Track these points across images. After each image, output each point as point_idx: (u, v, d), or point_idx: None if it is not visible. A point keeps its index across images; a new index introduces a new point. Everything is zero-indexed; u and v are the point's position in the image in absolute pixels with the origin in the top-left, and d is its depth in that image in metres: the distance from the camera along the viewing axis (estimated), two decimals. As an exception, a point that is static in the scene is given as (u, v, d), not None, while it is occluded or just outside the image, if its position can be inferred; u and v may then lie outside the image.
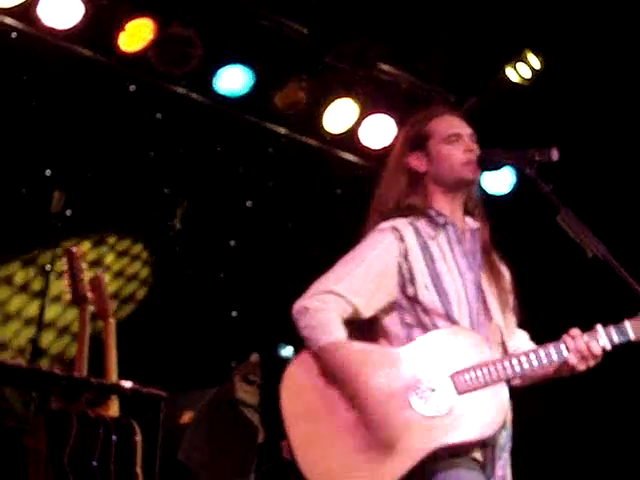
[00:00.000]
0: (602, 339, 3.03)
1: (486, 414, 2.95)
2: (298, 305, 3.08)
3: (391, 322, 3.15)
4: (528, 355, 3.02)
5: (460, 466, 2.95)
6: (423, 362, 3.00)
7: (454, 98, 6.87)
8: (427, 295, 3.09)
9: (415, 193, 3.28)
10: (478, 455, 3.00)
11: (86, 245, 6.73)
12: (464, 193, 3.31)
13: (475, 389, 2.97)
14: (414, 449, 2.90)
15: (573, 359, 3.03)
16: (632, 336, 3.03)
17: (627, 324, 3.03)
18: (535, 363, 3.02)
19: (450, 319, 3.07)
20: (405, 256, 3.13)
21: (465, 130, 3.32)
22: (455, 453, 2.95)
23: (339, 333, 3.03)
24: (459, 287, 3.13)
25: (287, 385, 3.02)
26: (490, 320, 3.19)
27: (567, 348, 3.03)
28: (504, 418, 3.00)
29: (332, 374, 3.00)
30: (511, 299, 3.32)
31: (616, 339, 3.03)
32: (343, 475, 2.90)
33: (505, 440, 3.09)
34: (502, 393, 3.00)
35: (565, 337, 3.05)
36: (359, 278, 3.10)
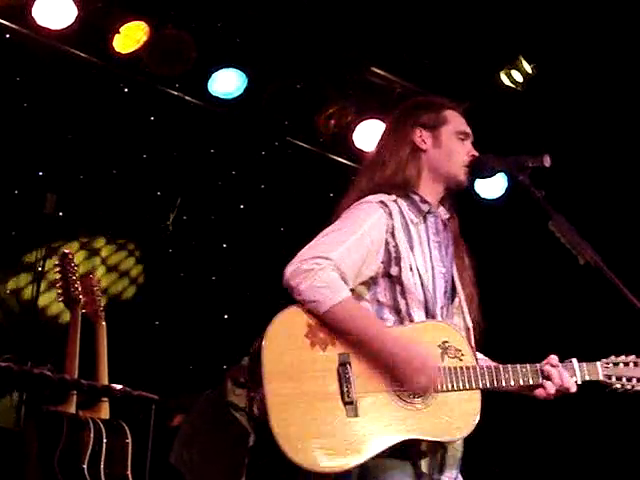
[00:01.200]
0: (576, 375, 3.08)
1: (456, 418, 2.93)
2: (292, 268, 2.94)
3: (361, 296, 3.08)
4: (508, 371, 3.02)
5: (395, 468, 2.92)
6: None
7: (447, 103, 6.86)
8: (411, 278, 3.05)
9: (412, 167, 3.22)
10: (422, 461, 2.97)
11: (77, 247, 6.73)
12: (448, 190, 3.27)
13: (452, 391, 2.94)
14: (383, 435, 2.85)
15: (551, 387, 3.05)
16: (600, 377, 3.12)
17: (598, 365, 3.12)
18: (512, 381, 3.02)
19: (427, 305, 3.06)
20: (392, 234, 3.08)
21: (471, 134, 3.32)
22: (404, 451, 2.91)
23: (348, 290, 2.95)
24: (429, 277, 3.11)
25: (270, 342, 2.88)
26: (462, 320, 3.20)
27: (545, 374, 3.05)
28: (472, 426, 2.96)
29: (351, 330, 2.89)
30: (474, 294, 3.30)
31: (587, 377, 3.10)
32: (313, 442, 2.79)
33: (459, 445, 3.09)
34: (476, 400, 2.98)
35: (545, 364, 3.07)
36: (351, 249, 2.99)
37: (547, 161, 3.09)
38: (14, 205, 6.53)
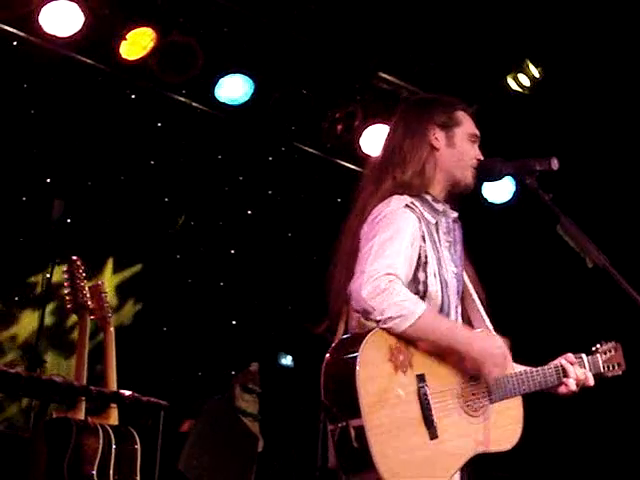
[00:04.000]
0: (588, 369, 3.27)
1: (512, 425, 3.07)
2: (369, 289, 2.85)
3: None
4: (539, 374, 3.16)
5: None
6: None
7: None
8: (434, 285, 3.07)
9: (430, 168, 3.21)
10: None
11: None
12: (454, 191, 3.26)
13: (505, 399, 3.05)
14: (461, 453, 2.93)
15: (572, 384, 3.20)
16: (601, 369, 3.33)
17: (599, 357, 3.34)
18: (544, 383, 3.16)
19: (442, 310, 3.07)
20: (423, 237, 3.08)
21: (479, 137, 3.31)
22: None
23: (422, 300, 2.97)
24: (445, 281, 3.11)
25: (364, 370, 2.81)
26: (481, 320, 3.23)
27: (566, 373, 3.19)
28: (520, 431, 3.08)
29: (437, 338, 2.90)
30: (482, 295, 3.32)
31: (593, 371, 3.29)
32: (410, 474, 2.81)
33: None
34: (519, 405, 3.11)
35: (564, 362, 3.22)
36: (406, 260, 2.98)
37: (555, 164, 3.09)
38: (22, 211, 6.54)
